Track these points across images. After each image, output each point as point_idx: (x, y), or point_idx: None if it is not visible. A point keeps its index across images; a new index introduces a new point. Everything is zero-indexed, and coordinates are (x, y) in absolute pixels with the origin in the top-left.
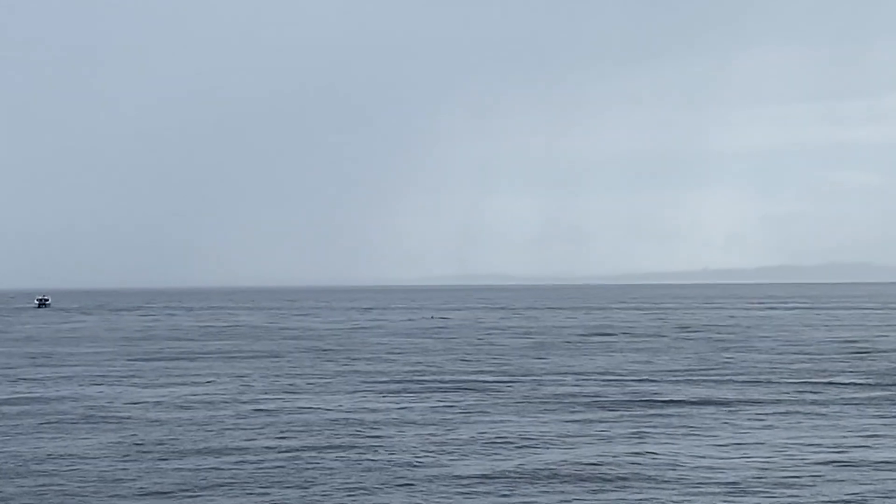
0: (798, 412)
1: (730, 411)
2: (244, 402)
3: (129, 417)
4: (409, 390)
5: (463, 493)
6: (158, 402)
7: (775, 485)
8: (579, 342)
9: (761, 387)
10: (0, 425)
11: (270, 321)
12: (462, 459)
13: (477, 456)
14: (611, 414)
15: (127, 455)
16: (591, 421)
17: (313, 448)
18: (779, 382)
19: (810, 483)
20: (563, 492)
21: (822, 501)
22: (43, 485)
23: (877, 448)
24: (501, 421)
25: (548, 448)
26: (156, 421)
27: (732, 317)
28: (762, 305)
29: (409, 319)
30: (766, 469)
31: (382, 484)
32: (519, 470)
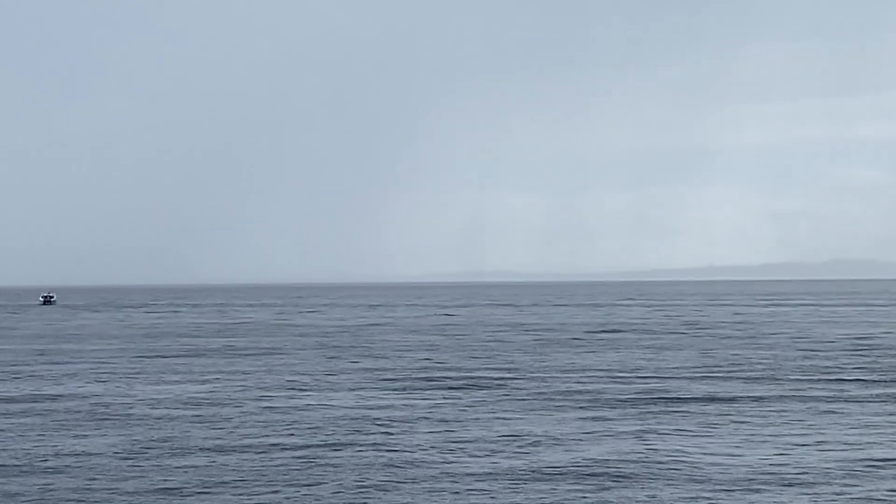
0: (809, 410)
1: (740, 408)
2: (251, 399)
3: (135, 414)
4: (418, 387)
5: (472, 491)
6: (165, 399)
7: (786, 483)
8: (586, 339)
9: (771, 384)
10: (6, 423)
11: (277, 318)
12: (470, 457)
13: (484, 453)
14: (619, 411)
15: (133, 452)
16: (599, 418)
17: (320, 445)
18: (788, 380)
19: (823, 481)
20: (570, 490)
21: (831, 500)
22: (49, 482)
23: (889, 445)
24: (509, 418)
25: (555, 445)
26: (162, 418)
27: (738, 313)
28: (768, 302)
29: (416, 316)
30: (774, 466)
31: (390, 482)
32: (527, 467)
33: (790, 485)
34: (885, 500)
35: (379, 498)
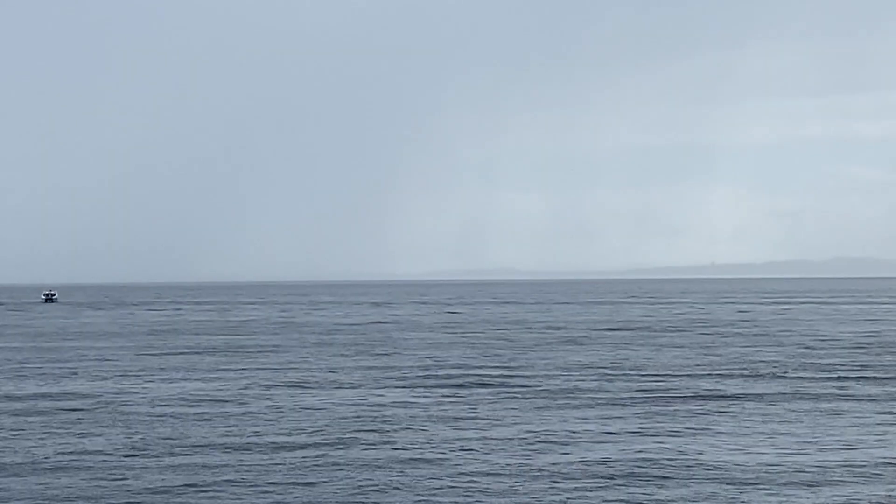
0: (821, 409)
1: (742, 405)
2: (253, 398)
3: (137, 413)
4: (423, 385)
5: (477, 490)
6: (166, 398)
7: (796, 483)
8: (591, 337)
9: (775, 381)
10: (7, 421)
11: (280, 316)
12: (474, 455)
13: (489, 452)
14: (623, 409)
15: (134, 451)
16: (604, 417)
17: (324, 444)
18: (794, 377)
19: (837, 481)
20: (574, 488)
21: (842, 501)
22: (50, 481)
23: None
24: (515, 417)
25: (560, 443)
26: (164, 416)
27: (742, 311)
28: (770, 300)
29: (420, 314)
30: (782, 465)
31: (395, 480)
32: (532, 466)
33: (803, 486)
34: None
35: (382, 497)
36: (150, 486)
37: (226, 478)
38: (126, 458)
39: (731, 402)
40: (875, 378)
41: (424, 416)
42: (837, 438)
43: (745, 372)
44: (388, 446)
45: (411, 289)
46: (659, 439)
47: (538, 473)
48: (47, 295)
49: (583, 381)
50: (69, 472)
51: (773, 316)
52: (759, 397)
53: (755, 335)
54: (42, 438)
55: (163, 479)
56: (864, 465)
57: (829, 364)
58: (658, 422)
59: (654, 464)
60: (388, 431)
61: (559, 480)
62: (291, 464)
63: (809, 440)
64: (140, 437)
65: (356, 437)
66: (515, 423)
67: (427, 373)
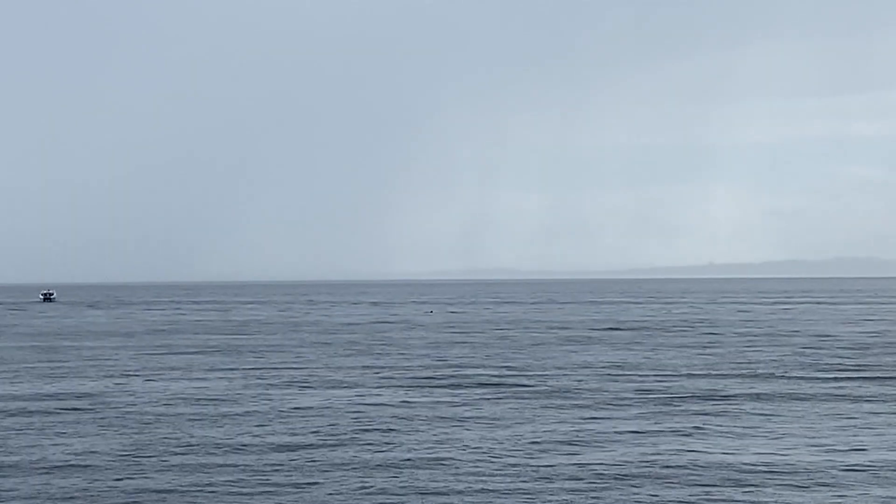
0: (821, 409)
1: (740, 406)
2: (253, 398)
3: (135, 412)
4: (422, 385)
5: (476, 490)
6: (165, 397)
7: (796, 483)
8: (591, 336)
9: (776, 381)
10: (5, 421)
11: (278, 315)
12: (475, 455)
13: (489, 452)
14: (622, 410)
15: (134, 450)
16: (603, 417)
17: (322, 444)
18: (795, 378)
19: (837, 481)
20: (571, 489)
21: (843, 501)
22: (50, 481)
23: None
24: (515, 417)
25: (559, 444)
26: (163, 416)
27: (742, 311)
28: (770, 300)
29: (419, 313)
30: (782, 465)
31: (393, 481)
32: (531, 466)
33: (815, 487)
34: None
35: (383, 497)
36: (150, 486)
37: (225, 478)
38: (126, 458)
39: (730, 402)
40: (875, 378)
41: (424, 416)
42: (837, 439)
43: (745, 372)
44: (388, 446)
45: (410, 288)
46: (659, 439)
47: (538, 473)
48: (46, 294)
49: (583, 380)
50: (69, 472)
51: (773, 316)
52: (758, 397)
53: (755, 335)
54: (42, 438)
55: (163, 479)
56: (865, 466)
57: (829, 364)
58: (658, 422)
59: (655, 464)
60: (388, 431)
61: (559, 480)
62: (291, 464)
63: (809, 440)
64: (140, 436)
65: (356, 438)
66: (515, 423)
67: (427, 373)
